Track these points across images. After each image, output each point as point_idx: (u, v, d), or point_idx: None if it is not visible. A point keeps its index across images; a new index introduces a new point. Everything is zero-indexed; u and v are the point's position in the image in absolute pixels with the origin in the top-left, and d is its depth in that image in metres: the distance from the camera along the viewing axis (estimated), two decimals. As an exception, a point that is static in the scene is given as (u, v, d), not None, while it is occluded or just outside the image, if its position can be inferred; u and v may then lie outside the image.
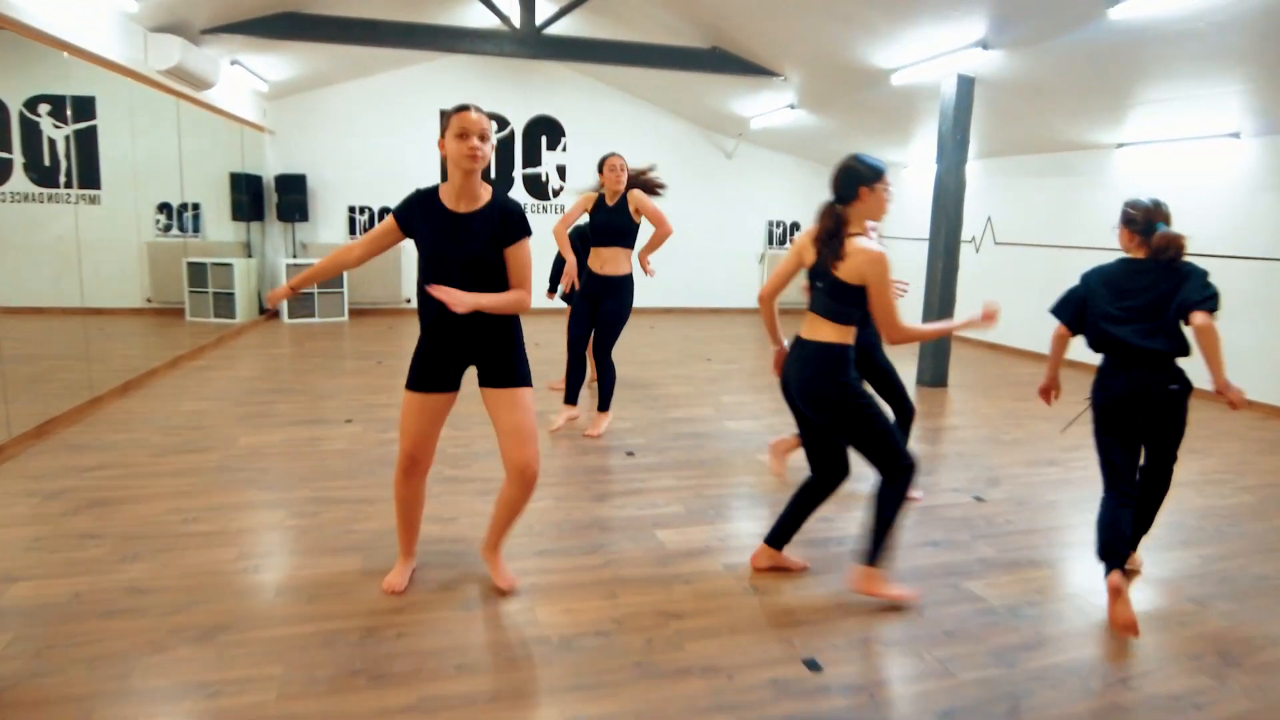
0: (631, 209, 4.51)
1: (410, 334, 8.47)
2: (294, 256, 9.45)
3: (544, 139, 10.21)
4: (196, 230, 8.63)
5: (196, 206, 8.55)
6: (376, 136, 9.60)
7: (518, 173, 10.19)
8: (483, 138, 2.30)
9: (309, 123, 9.40)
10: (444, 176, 2.43)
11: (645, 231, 4.49)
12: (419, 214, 2.38)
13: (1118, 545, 2.63)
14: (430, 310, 2.41)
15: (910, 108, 7.41)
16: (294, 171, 9.29)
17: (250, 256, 9.20)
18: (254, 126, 8.68)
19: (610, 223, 4.51)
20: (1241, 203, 6.12)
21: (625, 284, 4.59)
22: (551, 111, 10.16)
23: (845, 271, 2.50)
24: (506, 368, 2.49)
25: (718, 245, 10.96)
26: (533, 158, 10.22)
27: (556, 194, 10.34)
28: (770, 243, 11.23)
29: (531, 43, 6.79)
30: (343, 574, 2.79)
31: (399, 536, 2.73)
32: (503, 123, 10.04)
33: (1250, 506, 3.85)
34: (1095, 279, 2.91)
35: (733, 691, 2.16)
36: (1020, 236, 8.29)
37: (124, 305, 7.90)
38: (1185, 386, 2.69)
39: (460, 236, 2.34)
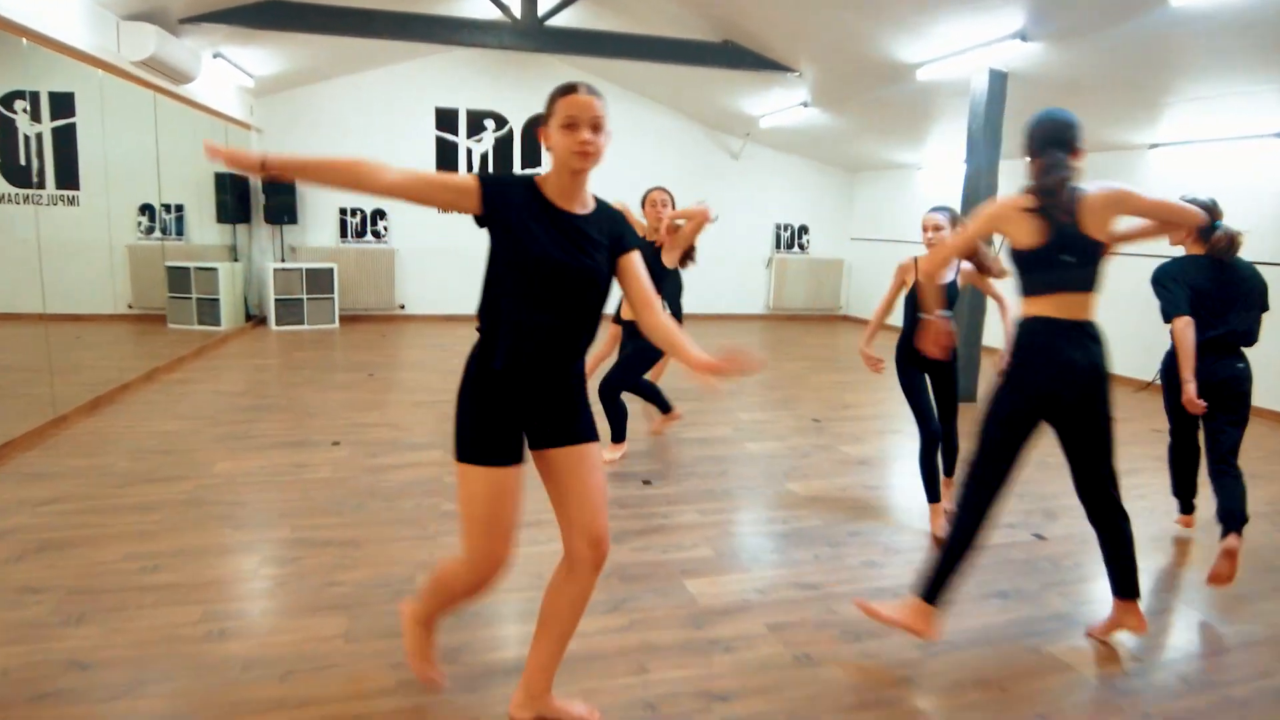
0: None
1: (405, 343, 8.06)
2: (282, 260, 9.02)
3: (544, 138, 9.78)
4: (180, 233, 8.20)
5: (180, 208, 8.12)
6: (369, 135, 9.18)
7: (517, 172, 9.76)
8: (595, 127, 1.75)
9: (298, 120, 8.97)
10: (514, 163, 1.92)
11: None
12: (518, 200, 1.80)
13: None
14: (507, 345, 1.77)
15: (930, 106, 7.03)
16: (282, 172, 8.84)
17: (236, 260, 8.77)
18: (240, 124, 8.25)
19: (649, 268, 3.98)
20: (1286, 207, 5.76)
21: None
22: (551, 110, 9.73)
23: (1094, 227, 2.27)
24: (571, 418, 1.90)
25: (723, 249, 10.55)
26: (533, 158, 9.81)
27: (556, 196, 9.91)
28: (778, 246, 10.83)
29: (533, 35, 6.39)
30: (324, 640, 2.38)
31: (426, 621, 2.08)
32: (501, 121, 9.62)
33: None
34: (1180, 274, 3.14)
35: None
36: (1044, 241, 7.91)
37: (104, 311, 7.48)
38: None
39: (580, 243, 1.79)
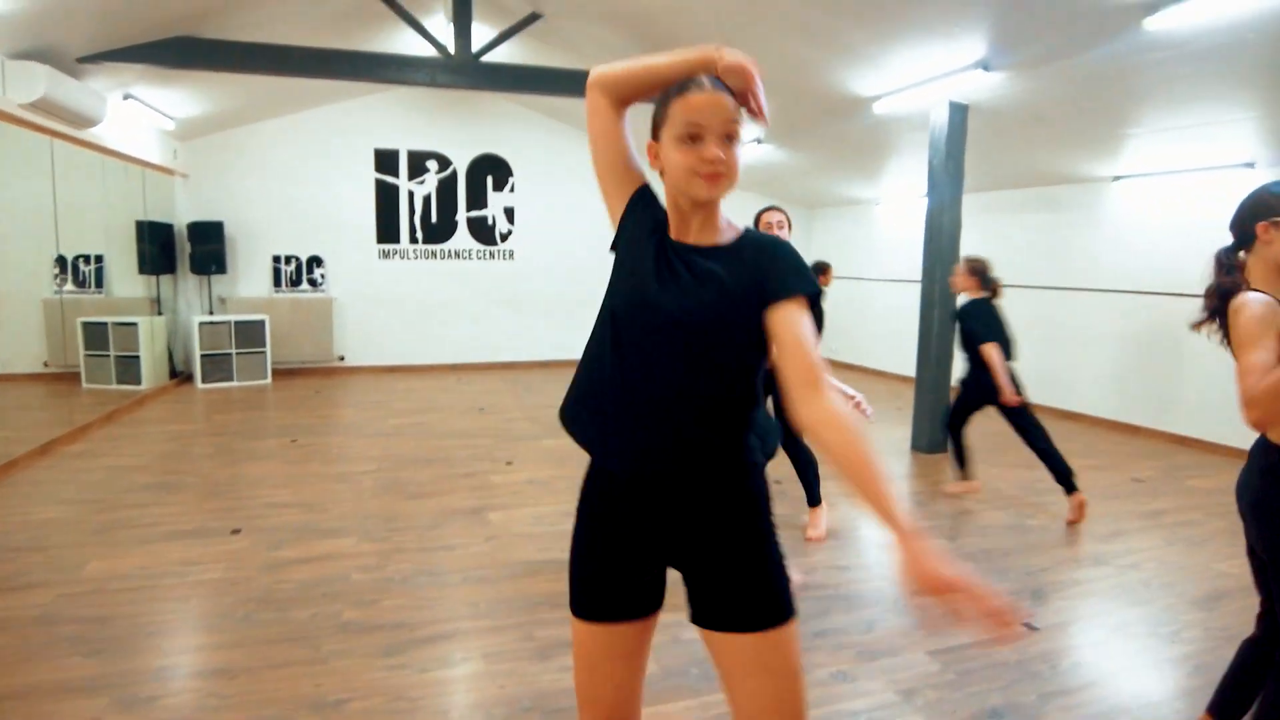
0: None
1: (341, 399, 7.51)
2: (210, 312, 8.44)
3: (490, 179, 9.39)
4: (99, 285, 7.62)
5: (99, 259, 7.55)
6: (303, 179, 8.70)
7: (461, 216, 9.34)
8: (730, 136, 1.23)
9: (225, 164, 8.46)
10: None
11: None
12: (646, 217, 1.36)
13: None
14: (610, 428, 1.27)
15: (887, 140, 6.77)
16: (209, 219, 8.32)
17: (160, 314, 8.18)
18: (160, 169, 7.73)
19: None
20: (1262, 240, 5.53)
21: None
22: (497, 149, 9.36)
23: None
24: (747, 586, 1.27)
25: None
26: (478, 199, 9.38)
27: (505, 238, 9.50)
28: (737, 286, 10.49)
29: (468, 71, 5.99)
30: (153, 832, 1.86)
31: None
32: (444, 162, 9.20)
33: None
34: (984, 312, 4.28)
35: None
36: (1013, 278, 7.65)
37: (17, 370, 6.86)
38: None
39: (680, 280, 1.25)
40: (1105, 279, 6.67)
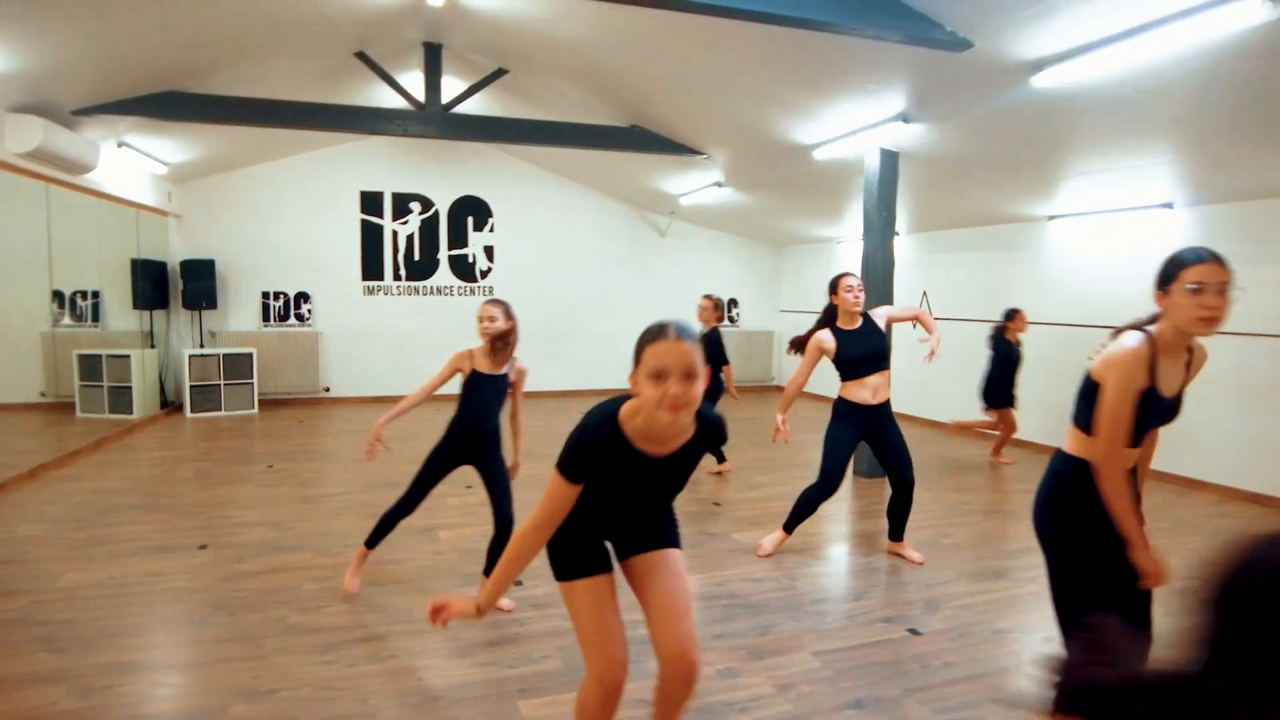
0: (883, 324, 4.09)
1: (323, 429, 7.85)
2: (200, 346, 8.81)
3: (470, 220, 9.82)
4: (96, 320, 8.01)
5: (96, 295, 7.95)
6: (290, 219, 9.14)
7: (443, 254, 9.76)
8: (689, 376, 1.61)
9: (217, 206, 8.90)
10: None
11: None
12: (600, 459, 1.74)
13: None
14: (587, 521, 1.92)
15: (839, 183, 7.16)
16: (201, 256, 8.74)
17: (152, 346, 8.56)
18: (154, 210, 8.16)
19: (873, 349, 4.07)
20: (1179, 277, 5.89)
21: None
22: (478, 191, 9.81)
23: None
24: (657, 526, 1.98)
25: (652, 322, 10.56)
26: (459, 239, 9.81)
27: (485, 275, 9.90)
28: (710, 320, 10.87)
29: (438, 122, 6.42)
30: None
31: None
32: (426, 203, 9.64)
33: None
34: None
35: None
36: (957, 311, 8.02)
37: (15, 400, 7.21)
38: None
39: (657, 477, 1.83)
40: (1044, 313, 7.02)
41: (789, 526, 4.20)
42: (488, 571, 3.41)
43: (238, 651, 3.00)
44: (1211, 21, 3.12)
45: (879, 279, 5.81)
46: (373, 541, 3.55)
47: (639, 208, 10.45)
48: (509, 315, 3.38)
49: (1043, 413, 7.07)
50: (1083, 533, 2.10)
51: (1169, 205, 5.91)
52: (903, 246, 8.69)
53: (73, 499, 5.10)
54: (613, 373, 10.27)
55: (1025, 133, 5.04)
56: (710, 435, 1.84)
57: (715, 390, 5.77)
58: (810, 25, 3.69)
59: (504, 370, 3.41)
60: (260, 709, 2.59)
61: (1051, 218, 6.92)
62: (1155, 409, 2.04)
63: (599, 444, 1.71)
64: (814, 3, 3.63)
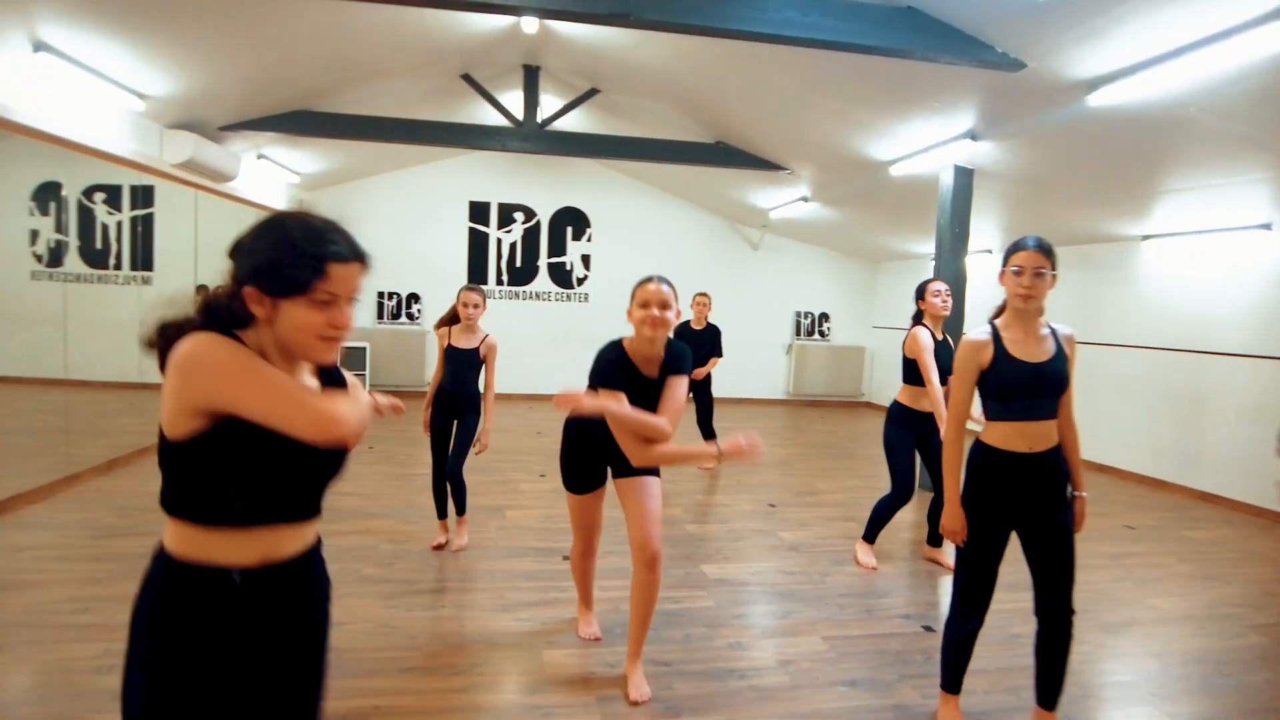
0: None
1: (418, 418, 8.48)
2: (321, 339, 9.68)
3: (569, 229, 10.36)
4: (235, 313, 9.00)
5: (236, 290, 8.94)
6: (405, 226, 9.93)
7: (543, 261, 10.34)
8: (664, 306, 2.47)
9: (345, 213, 9.41)
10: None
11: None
12: (615, 374, 2.52)
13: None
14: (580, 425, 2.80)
15: (921, 199, 7.20)
16: (326, 258, 9.62)
17: (280, 338, 9.49)
18: (288, 216, 9.08)
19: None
20: (1274, 298, 5.66)
21: None
22: (577, 203, 10.34)
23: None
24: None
25: (744, 335, 10.78)
26: (558, 247, 10.36)
27: (581, 282, 10.41)
28: (798, 333, 10.99)
29: (535, 138, 6.93)
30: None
31: (581, 597, 3.20)
32: (529, 213, 10.26)
33: (1259, 650, 3.35)
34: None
35: None
36: (1049, 333, 7.86)
37: (158, 381, 8.23)
38: None
39: (649, 395, 2.56)
40: (1136, 335, 6.82)
41: (869, 536, 4.29)
42: (441, 511, 4.28)
43: (317, 592, 3.48)
44: (1254, 40, 3.15)
45: (951, 295, 5.84)
46: (441, 513, 4.09)
47: (731, 220, 10.71)
48: (484, 301, 4.09)
49: (1135, 441, 6.85)
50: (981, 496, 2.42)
51: (1267, 226, 5.68)
52: (996, 265, 8.58)
53: (203, 464, 5.84)
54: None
55: (1097, 149, 5.02)
56: (675, 355, 2.58)
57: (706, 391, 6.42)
58: (857, 49, 3.90)
59: (475, 345, 4.07)
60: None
61: (1145, 237, 6.72)
62: (1019, 372, 2.31)
63: (614, 360, 2.51)
64: (863, 29, 3.84)
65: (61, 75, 4.71)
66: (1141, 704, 2.85)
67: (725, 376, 10.78)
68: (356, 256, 1.33)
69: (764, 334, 10.91)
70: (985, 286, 8.89)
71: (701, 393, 6.46)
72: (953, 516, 2.41)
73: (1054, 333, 2.38)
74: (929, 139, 5.56)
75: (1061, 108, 4.37)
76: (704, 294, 6.42)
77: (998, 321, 2.42)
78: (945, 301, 4.11)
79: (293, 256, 1.20)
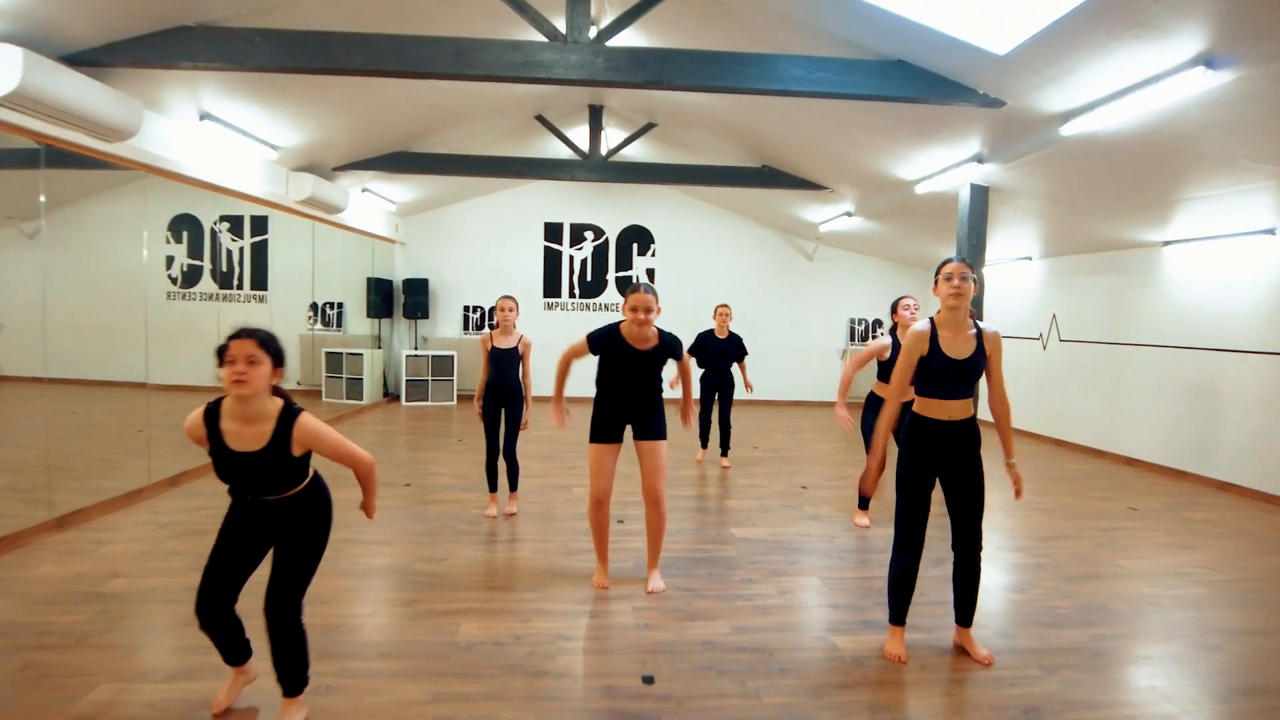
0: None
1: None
2: (415, 348, 10.90)
3: (635, 245, 11.30)
4: (339, 325, 10.26)
5: (340, 306, 10.20)
6: (491, 246, 11.06)
7: (611, 275, 11.30)
8: (648, 310, 3.48)
9: (434, 235, 11.00)
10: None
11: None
12: (610, 344, 3.60)
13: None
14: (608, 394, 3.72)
15: (949, 211, 7.83)
16: (419, 276, 10.85)
17: (379, 348, 10.74)
18: (385, 239, 10.32)
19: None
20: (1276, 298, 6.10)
21: None
22: (643, 221, 11.28)
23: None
24: (652, 426, 3.67)
25: (799, 341, 11.49)
26: (625, 262, 11.31)
27: (645, 294, 11.32)
28: (851, 338, 11.62)
29: (600, 168, 7.89)
30: (344, 590, 3.63)
31: (597, 550, 3.85)
32: (599, 232, 11.24)
33: (1197, 598, 3.94)
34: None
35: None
36: (1082, 334, 8.33)
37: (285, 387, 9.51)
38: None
39: (639, 362, 3.61)
40: (1161, 335, 7.27)
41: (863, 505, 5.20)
42: (491, 483, 5.13)
43: (424, 539, 4.47)
44: (1174, 86, 3.81)
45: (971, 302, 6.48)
46: (491, 487, 5.12)
47: (786, 234, 11.45)
48: (517, 306, 5.08)
49: (1160, 435, 7.29)
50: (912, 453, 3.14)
51: (1271, 231, 6.12)
52: (1035, 271, 9.09)
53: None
54: (759, 386, 11.30)
55: (1093, 167, 5.61)
56: (672, 343, 3.63)
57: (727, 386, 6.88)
58: (856, 97, 4.68)
59: (514, 344, 5.00)
60: (432, 566, 4.01)
61: (1166, 243, 7.18)
62: (946, 366, 3.01)
63: (607, 335, 3.59)
64: (859, 81, 4.62)
65: (218, 136, 5.91)
66: (1072, 628, 3.52)
67: (784, 380, 11.52)
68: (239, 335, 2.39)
69: (819, 340, 11.59)
70: (1024, 290, 9.41)
71: (725, 393, 6.93)
72: (867, 477, 3.22)
73: (979, 333, 3.09)
74: (943, 162, 6.25)
75: (1042, 136, 5.03)
76: (725, 305, 6.82)
77: (936, 319, 3.16)
78: (914, 315, 4.83)
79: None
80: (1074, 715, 2.72)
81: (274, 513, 2.49)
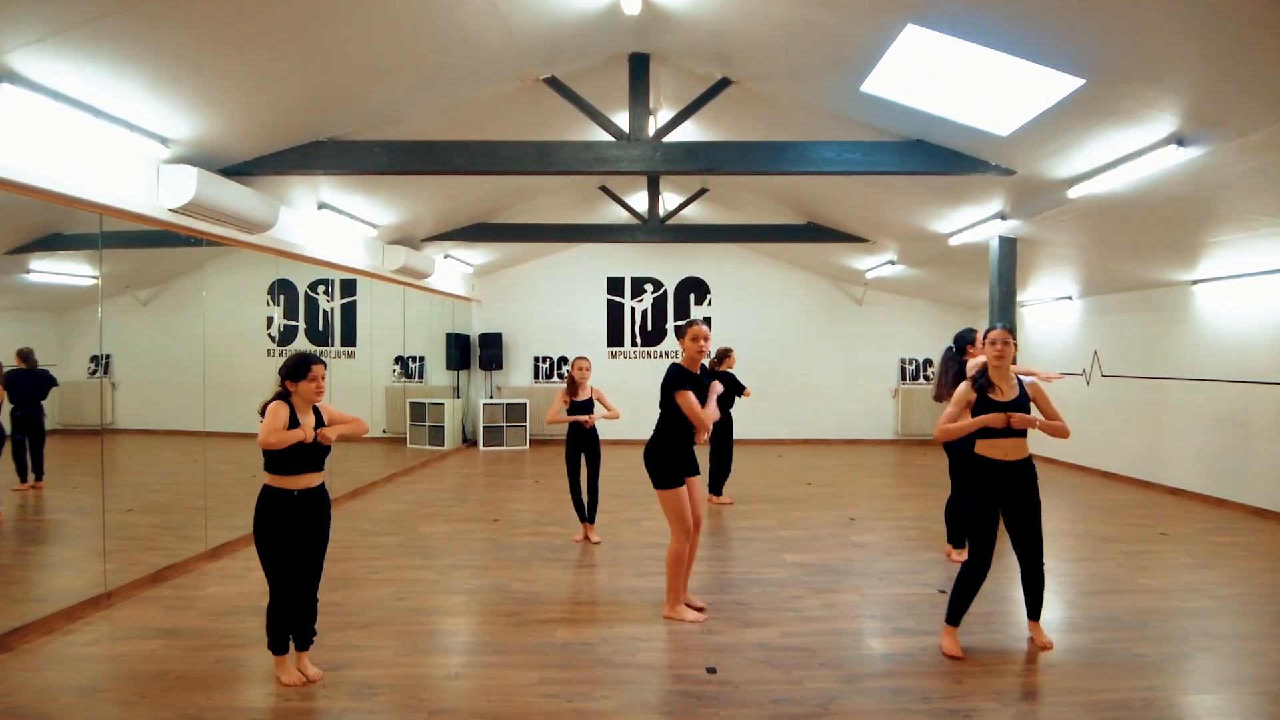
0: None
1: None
2: (490, 397, 11.80)
3: (692, 295, 12.07)
4: (421, 377, 11.24)
5: (421, 359, 11.19)
6: (558, 301, 11.98)
7: (670, 324, 12.06)
8: (706, 339, 4.12)
9: (507, 292, 11.97)
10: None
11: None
12: (683, 378, 4.11)
13: None
14: (682, 435, 4.20)
15: (984, 259, 8.37)
16: (492, 330, 11.80)
17: (458, 397, 11.67)
18: (463, 298, 11.31)
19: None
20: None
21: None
22: (699, 273, 12.05)
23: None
24: (693, 460, 4.29)
25: (852, 381, 12.02)
26: (683, 311, 12.07)
27: (703, 340, 12.04)
28: (903, 378, 12.09)
29: (658, 231, 8.70)
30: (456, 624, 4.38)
31: (673, 588, 4.21)
32: (657, 284, 12.05)
33: (1204, 610, 4.38)
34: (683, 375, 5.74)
35: (650, 676, 3.43)
36: (1122, 369, 8.70)
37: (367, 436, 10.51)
38: None
39: (697, 387, 4.16)
40: (1193, 368, 7.63)
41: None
42: (581, 514, 5.93)
43: (516, 564, 5.21)
44: (1153, 160, 4.41)
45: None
46: (581, 517, 5.91)
47: (835, 280, 12.07)
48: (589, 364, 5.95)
49: (1198, 465, 7.61)
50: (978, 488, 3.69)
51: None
52: (1075, 310, 9.51)
53: (416, 493, 7.83)
54: (813, 425, 11.85)
55: (1104, 221, 6.14)
56: (707, 371, 4.27)
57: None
58: (881, 173, 5.37)
59: (589, 396, 5.87)
60: (526, 585, 4.75)
61: (1194, 282, 7.59)
62: (993, 407, 3.59)
63: (678, 369, 4.11)
64: (883, 159, 5.31)
65: (331, 221, 6.92)
66: (1078, 632, 4.03)
67: (838, 419, 12.05)
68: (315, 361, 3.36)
69: (871, 380, 12.10)
70: (1066, 328, 9.82)
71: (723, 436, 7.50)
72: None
73: (1020, 383, 3.70)
74: (972, 218, 6.87)
75: (1053, 198, 5.63)
76: (728, 349, 7.39)
77: (987, 373, 3.70)
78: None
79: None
80: (1067, 699, 3.26)
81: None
